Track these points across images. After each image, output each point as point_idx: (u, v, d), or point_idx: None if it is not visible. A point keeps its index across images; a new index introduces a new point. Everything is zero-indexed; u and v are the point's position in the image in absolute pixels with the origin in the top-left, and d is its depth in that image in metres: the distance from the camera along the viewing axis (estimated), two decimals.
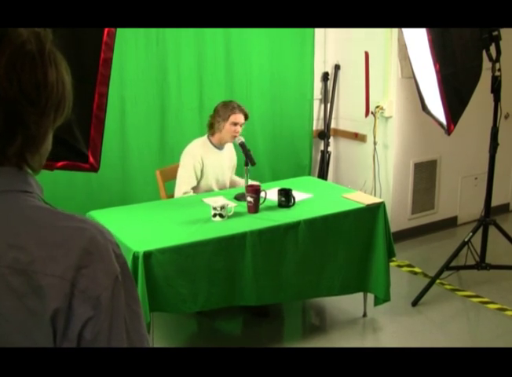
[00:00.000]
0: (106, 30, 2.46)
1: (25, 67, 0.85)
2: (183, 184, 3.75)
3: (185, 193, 3.74)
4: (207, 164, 3.78)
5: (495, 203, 4.55)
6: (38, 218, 0.87)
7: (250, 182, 3.63)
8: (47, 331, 0.83)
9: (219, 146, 3.85)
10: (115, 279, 0.86)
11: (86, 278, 0.84)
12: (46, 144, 0.93)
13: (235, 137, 3.74)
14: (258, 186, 3.40)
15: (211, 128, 3.80)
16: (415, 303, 3.93)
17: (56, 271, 0.83)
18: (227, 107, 3.74)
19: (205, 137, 3.88)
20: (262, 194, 3.39)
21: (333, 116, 5.15)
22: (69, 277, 0.83)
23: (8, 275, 0.82)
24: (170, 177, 3.90)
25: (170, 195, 3.87)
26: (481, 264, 4.31)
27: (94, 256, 0.85)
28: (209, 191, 3.81)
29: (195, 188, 3.78)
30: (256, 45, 4.46)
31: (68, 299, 0.82)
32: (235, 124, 3.72)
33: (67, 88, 0.92)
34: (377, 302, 3.65)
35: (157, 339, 3.15)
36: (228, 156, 3.95)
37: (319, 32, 4.86)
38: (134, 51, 3.98)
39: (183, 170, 3.77)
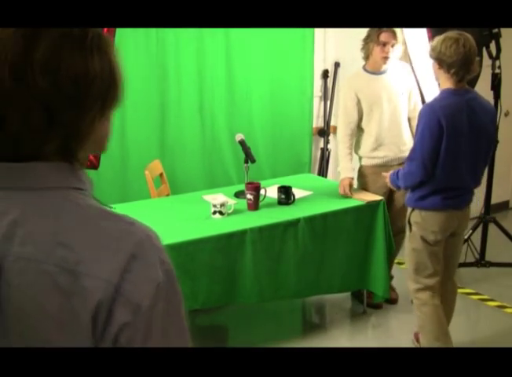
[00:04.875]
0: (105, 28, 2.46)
1: (63, 59, 0.82)
2: (341, 125, 3.71)
3: (345, 136, 3.67)
4: (363, 96, 3.63)
5: (494, 200, 4.55)
6: (87, 218, 0.86)
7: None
8: (87, 332, 0.82)
9: (375, 71, 3.65)
10: (156, 286, 0.84)
11: (129, 283, 0.82)
12: (94, 135, 0.90)
13: (387, 58, 3.54)
14: (258, 183, 3.40)
15: (365, 53, 3.64)
16: None
17: (102, 273, 0.82)
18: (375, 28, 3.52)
19: (360, 66, 3.74)
20: (262, 191, 3.39)
21: (333, 114, 5.15)
22: (114, 281, 0.82)
23: (56, 273, 0.82)
24: (155, 173, 3.90)
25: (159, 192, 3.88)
26: (481, 261, 4.32)
27: (139, 261, 0.84)
28: (375, 122, 3.65)
29: (365, 125, 3.68)
30: (256, 43, 4.45)
31: (110, 302, 0.81)
32: (384, 44, 3.51)
33: (116, 75, 0.89)
34: (376, 299, 3.66)
35: None
36: (396, 79, 3.68)
37: (318, 30, 4.85)
38: (134, 50, 3.97)
39: (340, 110, 3.75)
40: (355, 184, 3.79)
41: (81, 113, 0.86)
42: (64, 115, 0.84)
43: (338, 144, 3.77)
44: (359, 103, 3.63)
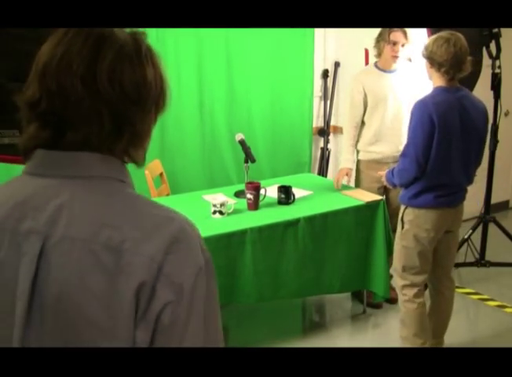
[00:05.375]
0: None
1: (125, 69, 0.92)
2: (348, 117, 3.81)
3: (350, 128, 3.76)
4: (370, 91, 3.69)
5: (494, 200, 4.55)
6: (133, 203, 0.93)
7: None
8: (129, 310, 0.85)
9: (385, 69, 3.70)
10: (198, 270, 0.89)
11: (172, 264, 0.87)
12: (149, 138, 1.01)
13: (396, 57, 3.60)
14: (258, 183, 3.40)
15: (377, 51, 3.70)
16: None
17: (147, 251, 0.86)
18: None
19: (372, 62, 3.81)
20: (262, 191, 3.39)
21: (333, 113, 5.15)
22: (158, 259, 0.86)
23: (101, 252, 0.86)
24: (155, 173, 3.90)
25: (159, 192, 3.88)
26: (481, 261, 4.32)
27: (182, 245, 0.89)
28: (377, 117, 3.71)
29: (368, 119, 3.74)
30: (256, 43, 4.45)
31: (153, 281, 0.85)
32: (394, 43, 3.57)
33: (165, 83, 1.00)
34: (376, 299, 3.66)
35: None
36: (405, 80, 3.72)
37: (318, 30, 4.86)
38: None
39: (348, 104, 3.82)
40: (353, 177, 3.91)
41: (144, 115, 0.96)
42: (130, 116, 0.93)
43: (343, 136, 3.88)
44: (365, 97, 3.70)
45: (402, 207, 3.03)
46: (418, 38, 3.84)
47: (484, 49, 4.04)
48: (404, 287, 3.08)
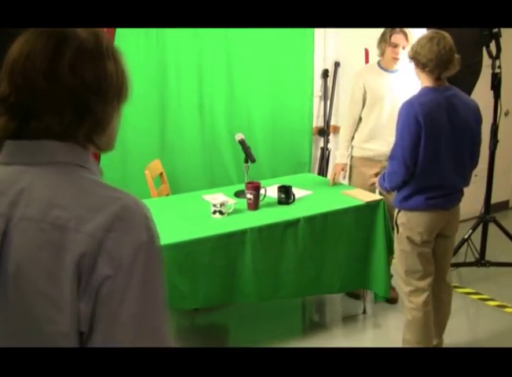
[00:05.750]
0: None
1: (85, 63, 0.99)
2: (347, 113, 3.85)
3: (347, 125, 3.82)
4: (370, 88, 3.70)
5: (494, 200, 4.55)
6: (83, 185, 0.99)
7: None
8: (73, 284, 0.91)
9: (387, 69, 3.70)
10: (138, 246, 0.94)
11: (113, 240, 0.93)
12: (112, 126, 1.07)
13: (396, 59, 3.59)
14: (258, 183, 3.40)
15: (380, 51, 3.70)
16: None
17: (87, 229, 0.93)
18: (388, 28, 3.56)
19: (376, 60, 3.81)
20: (262, 191, 3.39)
21: (333, 113, 5.15)
22: (98, 236, 0.92)
23: (50, 231, 0.93)
24: (155, 172, 3.90)
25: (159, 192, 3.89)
26: (481, 261, 4.32)
27: (124, 223, 0.94)
28: (374, 115, 3.72)
29: (365, 116, 3.76)
30: (256, 43, 4.45)
31: (94, 256, 0.92)
32: (395, 46, 3.56)
33: (126, 77, 1.07)
34: (376, 299, 3.66)
35: None
36: (405, 81, 3.66)
37: (318, 30, 4.86)
38: (134, 50, 3.97)
39: (348, 101, 3.86)
40: (347, 173, 3.97)
41: (105, 105, 1.02)
42: (91, 106, 1.00)
43: (341, 131, 3.94)
44: (365, 93, 3.73)
45: (396, 210, 3.00)
46: (417, 34, 3.85)
47: (484, 49, 4.04)
48: (411, 293, 3.01)
